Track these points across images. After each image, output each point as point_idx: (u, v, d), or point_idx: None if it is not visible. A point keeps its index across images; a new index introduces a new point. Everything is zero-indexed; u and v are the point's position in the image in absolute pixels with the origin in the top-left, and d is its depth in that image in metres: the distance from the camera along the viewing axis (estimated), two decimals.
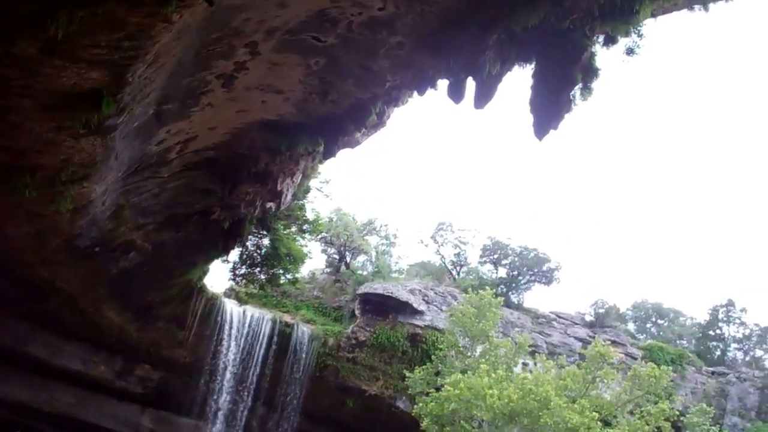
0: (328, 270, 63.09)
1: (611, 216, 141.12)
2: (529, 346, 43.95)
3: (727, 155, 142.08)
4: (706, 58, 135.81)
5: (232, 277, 48.52)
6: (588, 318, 66.55)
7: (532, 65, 21.12)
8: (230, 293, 50.40)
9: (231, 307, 46.76)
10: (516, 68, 21.50)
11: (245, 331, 46.55)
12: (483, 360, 40.76)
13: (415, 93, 25.29)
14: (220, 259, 42.80)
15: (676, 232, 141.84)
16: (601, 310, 68.51)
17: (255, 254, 46.89)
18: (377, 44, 20.36)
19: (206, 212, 32.09)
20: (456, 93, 22.46)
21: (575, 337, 58.74)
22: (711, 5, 19.77)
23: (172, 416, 44.98)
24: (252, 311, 48.12)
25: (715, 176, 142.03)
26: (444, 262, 68.96)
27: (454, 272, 68.33)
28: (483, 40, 19.34)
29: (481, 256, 68.56)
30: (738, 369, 65.09)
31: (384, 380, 47.38)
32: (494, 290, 46.98)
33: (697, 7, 20.07)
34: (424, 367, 42.61)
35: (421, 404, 38.74)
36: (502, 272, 67.82)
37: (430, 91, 24.09)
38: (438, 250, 69.03)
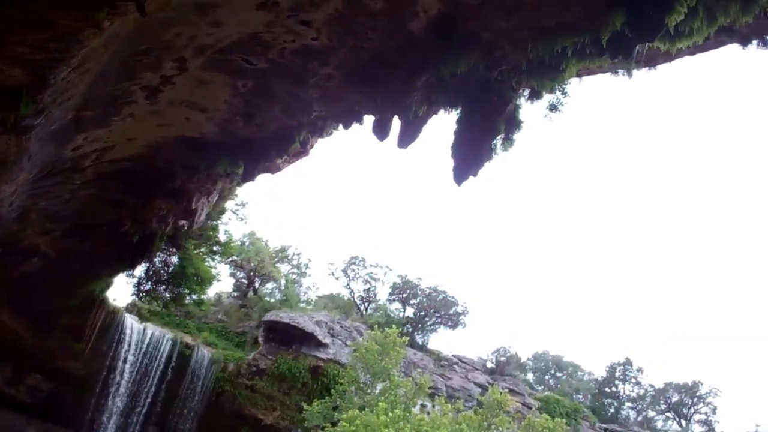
0: (236, 294, 62.51)
1: (522, 267, 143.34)
2: (430, 387, 43.97)
3: (634, 219, 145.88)
4: (635, 115, 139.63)
5: (136, 293, 47.67)
6: (489, 365, 67.21)
7: (458, 111, 21.33)
8: (132, 309, 49.46)
9: (132, 322, 45.79)
10: (442, 112, 21.69)
11: (144, 349, 45.63)
12: (382, 398, 40.63)
13: (341, 126, 25.30)
14: (125, 272, 42.01)
15: (581, 288, 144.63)
16: (502, 358, 69.30)
17: (162, 271, 46.17)
18: (307, 73, 20.35)
19: (116, 224, 31.50)
20: (381, 130, 22.55)
21: (475, 383, 59.14)
22: (634, 71, 20.29)
23: (60, 429, 43.63)
24: (153, 329, 47.24)
25: (625, 237, 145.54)
26: (353, 297, 68.92)
27: (362, 307, 68.34)
28: (412, 81, 19.48)
29: (391, 294, 68.73)
30: (630, 428, 66.30)
31: (281, 411, 46.93)
32: (400, 329, 47.02)
33: (621, 72, 20.59)
34: (322, 400, 42.28)
35: None
36: (410, 312, 68.07)
37: (356, 126, 24.12)
38: (348, 284, 69.03)
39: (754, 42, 18.33)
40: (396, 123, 22.32)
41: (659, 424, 73.75)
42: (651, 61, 20.01)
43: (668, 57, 19.64)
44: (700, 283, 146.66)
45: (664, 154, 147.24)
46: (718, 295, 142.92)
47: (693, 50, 19.12)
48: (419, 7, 17.12)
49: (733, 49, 18.71)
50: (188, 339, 48.78)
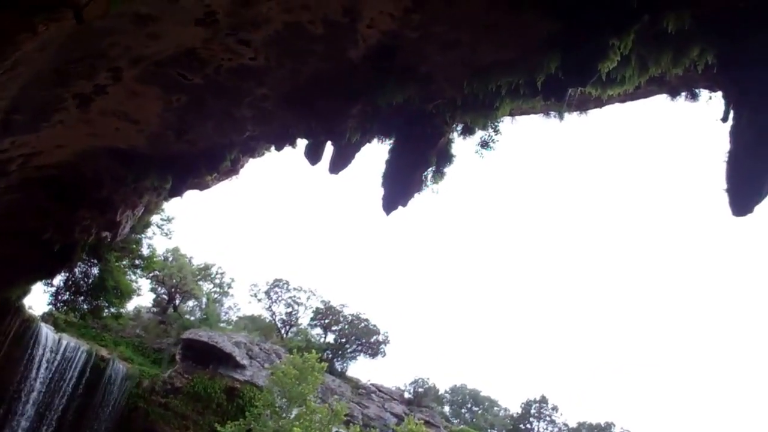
0: (155, 310, 61.74)
1: (445, 299, 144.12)
2: (346, 415, 43.93)
3: (555, 254, 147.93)
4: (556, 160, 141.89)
5: (53, 302, 46.63)
6: (407, 395, 67.29)
7: (392, 140, 21.46)
8: (48, 318, 48.48)
9: (47, 332, 44.86)
10: (375, 140, 21.81)
11: (58, 360, 44.71)
12: (297, 423, 40.46)
13: (273, 147, 25.24)
14: (43, 281, 41.16)
15: (502, 324, 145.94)
16: (420, 389, 69.46)
17: (81, 282, 45.27)
18: (243, 93, 20.30)
19: (38, 231, 30.85)
20: (313, 154, 22.58)
21: (392, 413, 59.14)
22: (566, 115, 20.66)
23: None
24: (68, 340, 46.34)
25: (552, 276, 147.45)
26: (275, 320, 68.61)
27: (283, 331, 68.05)
28: (347, 108, 19.57)
29: (313, 319, 68.61)
30: None
31: (194, 430, 46.34)
32: (320, 354, 46.96)
33: (552, 114, 20.96)
34: (236, 422, 41.95)
35: None
36: (331, 338, 68.02)
37: (288, 148, 24.09)
38: (270, 307, 68.76)
39: (683, 94, 18.78)
40: (329, 148, 22.38)
41: None
42: (582, 105, 20.40)
43: (599, 103, 20.05)
44: (618, 321, 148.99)
45: (588, 194, 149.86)
46: (637, 333, 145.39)
47: (623, 98, 19.55)
48: (359, 35, 17.26)
49: (662, 99, 19.14)
50: (104, 352, 47.97)
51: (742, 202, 13.98)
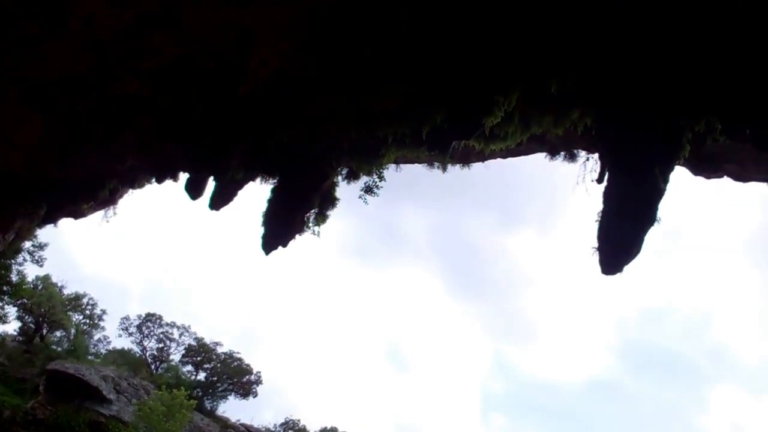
0: (21, 338, 59.77)
1: (323, 340, 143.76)
2: None
3: None
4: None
5: None
6: None
7: (275, 180, 21.46)
8: None
9: None
10: (259, 179, 21.78)
11: None
12: None
13: (154, 180, 24.90)
14: None
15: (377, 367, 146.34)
16: (290, 431, 68.85)
17: None
18: (127, 122, 20.00)
19: None
20: (195, 189, 22.33)
21: None
22: (449, 167, 21.07)
23: None
24: None
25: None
26: (145, 355, 67.25)
27: (153, 366, 66.71)
28: (232, 144, 19.51)
29: (185, 356, 67.64)
30: None
31: None
32: (189, 392, 46.21)
33: (436, 165, 21.36)
34: None
35: None
36: (203, 376, 66.99)
37: (169, 181, 23.81)
38: (141, 341, 67.40)
39: (562, 154, 19.36)
40: (212, 183, 22.21)
41: None
42: (465, 158, 20.85)
43: (482, 157, 20.52)
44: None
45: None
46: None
47: (505, 153, 20.08)
48: (250, 73, 17.29)
49: (541, 157, 19.68)
50: None
51: (611, 261, 14.45)
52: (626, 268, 14.46)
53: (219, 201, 22.03)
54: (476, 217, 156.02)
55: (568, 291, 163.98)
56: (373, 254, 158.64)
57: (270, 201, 21.50)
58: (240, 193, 22.21)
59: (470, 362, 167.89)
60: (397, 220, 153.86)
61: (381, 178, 22.05)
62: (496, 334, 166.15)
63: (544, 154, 19.74)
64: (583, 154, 18.57)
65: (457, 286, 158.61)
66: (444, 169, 21.37)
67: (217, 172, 21.33)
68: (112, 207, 31.01)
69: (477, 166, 21.13)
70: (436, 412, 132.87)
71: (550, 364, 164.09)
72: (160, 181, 23.89)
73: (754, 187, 14.96)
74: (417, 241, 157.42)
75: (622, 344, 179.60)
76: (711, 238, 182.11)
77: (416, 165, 22.05)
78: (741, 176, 15.28)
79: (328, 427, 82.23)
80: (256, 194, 22.35)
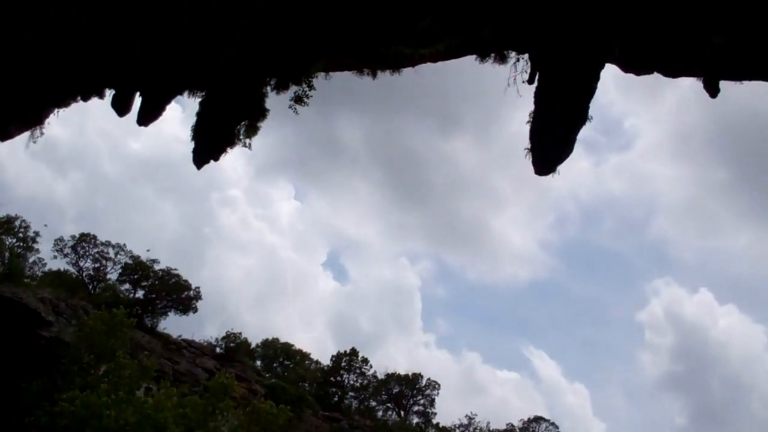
0: None
1: (253, 249, 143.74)
2: (156, 371, 43.48)
3: None
4: None
5: None
6: (219, 350, 67.16)
7: (203, 93, 21.13)
8: None
9: None
10: (186, 93, 21.41)
11: None
12: (106, 379, 39.68)
13: (80, 98, 24.33)
14: None
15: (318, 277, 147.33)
16: (232, 344, 69.40)
17: None
18: (49, 39, 19.43)
19: None
20: (121, 105, 21.88)
21: (203, 368, 59.03)
22: (379, 73, 20.89)
23: None
24: None
25: None
26: (82, 275, 66.72)
27: (90, 287, 66.31)
28: (159, 57, 19.13)
29: (122, 275, 67.30)
30: (352, 416, 68.46)
31: None
32: (129, 310, 46.10)
33: (366, 72, 21.17)
34: (42, 379, 40.68)
35: (33, 418, 37.00)
36: (141, 293, 66.86)
37: (96, 99, 23.29)
38: (77, 262, 66.79)
39: (492, 56, 19.30)
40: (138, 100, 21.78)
41: (380, 414, 76.61)
42: (396, 64, 20.71)
43: (412, 62, 20.39)
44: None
45: None
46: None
47: (435, 57, 19.97)
48: None
49: (471, 60, 19.59)
50: None
51: (544, 161, 14.60)
52: (560, 167, 14.63)
53: (147, 116, 21.63)
54: (415, 124, 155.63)
55: (508, 193, 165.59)
56: (312, 165, 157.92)
57: (199, 114, 21.19)
58: (168, 108, 21.85)
59: (412, 268, 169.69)
60: (335, 131, 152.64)
61: (311, 87, 21.82)
62: (438, 240, 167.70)
63: (474, 56, 19.67)
64: (513, 55, 18.53)
65: (398, 193, 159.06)
66: (374, 76, 21.21)
67: (142, 88, 20.92)
68: (38, 127, 30.37)
69: (408, 72, 20.97)
70: (379, 318, 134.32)
71: (492, 268, 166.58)
72: (85, 99, 23.36)
73: (687, 82, 15.08)
74: (356, 150, 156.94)
75: (562, 244, 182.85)
76: (647, 135, 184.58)
77: (347, 73, 21.86)
78: (671, 71, 15.42)
79: (270, 338, 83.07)
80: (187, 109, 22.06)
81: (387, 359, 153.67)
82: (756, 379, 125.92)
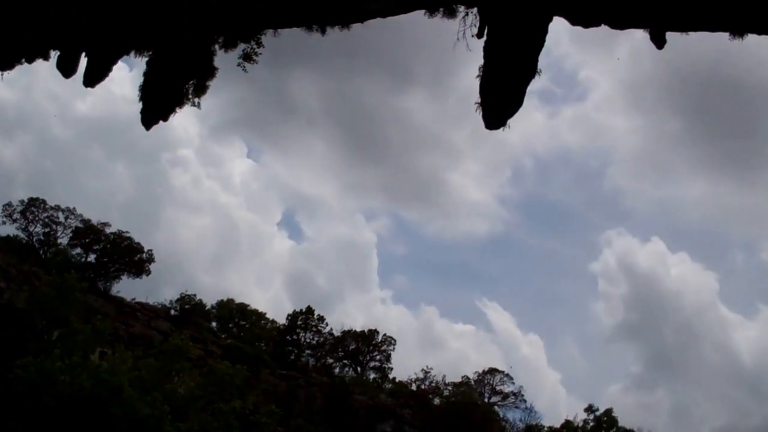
0: None
1: (207, 210, 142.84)
2: (110, 334, 43.26)
3: None
4: None
5: None
6: (173, 312, 66.97)
7: (150, 52, 20.84)
8: None
9: None
10: (133, 53, 21.10)
11: None
12: (59, 344, 39.42)
13: (24, 60, 23.88)
14: None
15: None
16: (187, 306, 69.23)
17: None
18: None
19: None
20: (67, 67, 21.53)
21: (158, 330, 58.91)
22: (328, 29, 20.72)
23: None
24: None
25: None
26: (32, 240, 65.99)
27: (41, 251, 65.62)
28: (101, 16, 18.81)
29: (72, 239, 66.59)
30: (309, 374, 68.79)
31: None
32: (81, 275, 45.75)
33: (315, 28, 20.99)
34: None
35: None
36: (93, 257, 66.32)
37: (40, 60, 22.88)
38: (27, 227, 66.00)
39: (441, 10, 19.19)
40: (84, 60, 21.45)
41: (337, 371, 77.06)
42: (345, 19, 20.54)
43: (361, 16, 20.23)
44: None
45: None
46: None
47: (384, 12, 19.82)
48: None
49: (420, 15, 19.47)
50: None
51: (494, 115, 14.66)
52: (511, 121, 14.70)
53: (93, 77, 21.31)
54: (370, 81, 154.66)
55: (465, 148, 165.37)
56: (266, 124, 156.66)
57: (146, 74, 20.92)
58: (114, 68, 21.53)
59: (368, 225, 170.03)
60: (288, 89, 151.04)
61: (259, 44, 21.62)
62: (395, 197, 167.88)
63: (422, 11, 19.55)
64: (462, 9, 18.46)
65: (354, 150, 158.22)
66: (323, 33, 21.04)
67: (87, 47, 20.58)
68: None
69: (357, 27, 20.83)
70: (335, 276, 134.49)
71: (450, 223, 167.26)
72: (30, 61, 22.94)
73: (639, 34, 15.14)
74: (311, 108, 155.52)
75: (517, 197, 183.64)
76: (601, 87, 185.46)
77: (297, 31, 21.64)
78: (617, 23, 15.48)
79: (225, 299, 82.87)
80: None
81: (344, 316, 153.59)
82: (708, 326, 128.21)
